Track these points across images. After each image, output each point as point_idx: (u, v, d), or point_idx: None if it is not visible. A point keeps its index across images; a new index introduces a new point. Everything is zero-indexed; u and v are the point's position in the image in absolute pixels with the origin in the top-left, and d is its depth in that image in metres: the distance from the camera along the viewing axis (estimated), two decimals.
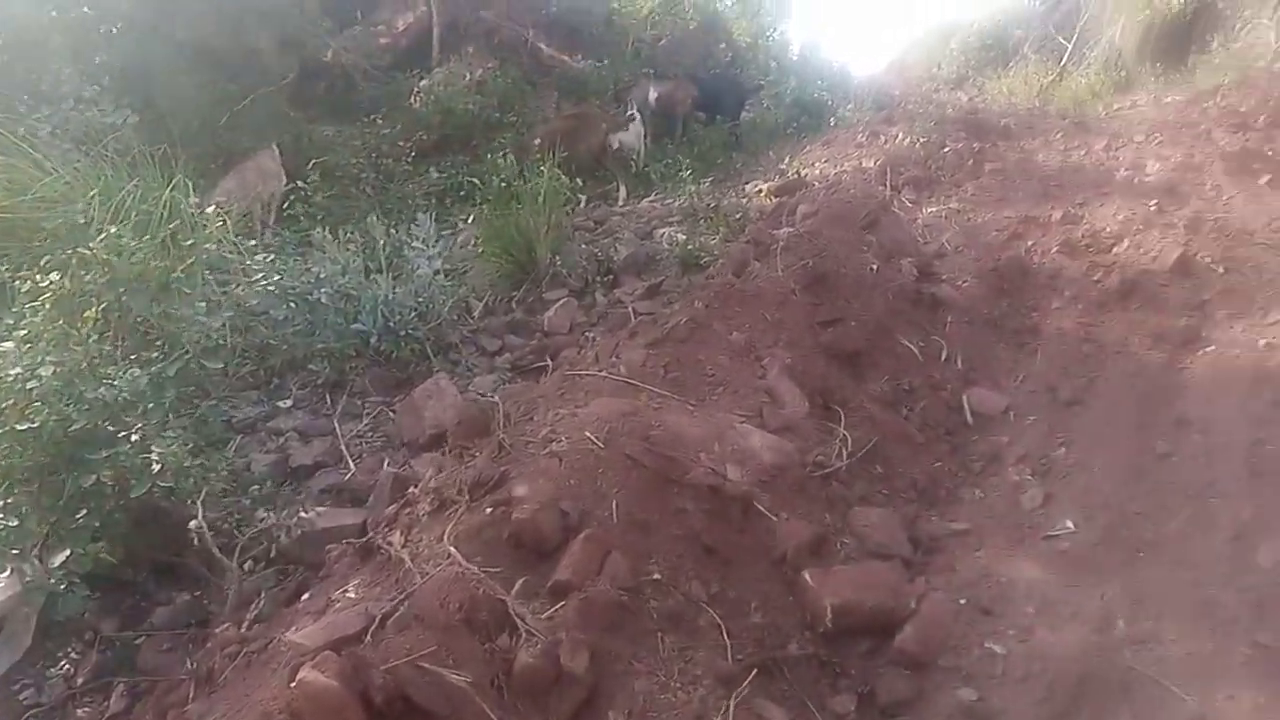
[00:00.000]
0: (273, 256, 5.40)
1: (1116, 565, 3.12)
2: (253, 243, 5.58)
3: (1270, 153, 7.53)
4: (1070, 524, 3.38)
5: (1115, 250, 5.54)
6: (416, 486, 3.37)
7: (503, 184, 6.71)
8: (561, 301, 6.05)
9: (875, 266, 4.96)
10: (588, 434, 3.11)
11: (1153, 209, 5.93)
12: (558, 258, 6.55)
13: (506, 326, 5.93)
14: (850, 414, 3.96)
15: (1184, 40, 13.94)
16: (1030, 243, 5.92)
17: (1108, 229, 5.82)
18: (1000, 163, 7.94)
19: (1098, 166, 7.71)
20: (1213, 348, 4.38)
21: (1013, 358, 4.70)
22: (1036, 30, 17.20)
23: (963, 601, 3.01)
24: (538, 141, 8.54)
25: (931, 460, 3.94)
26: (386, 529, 3.14)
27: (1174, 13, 13.97)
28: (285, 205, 7.58)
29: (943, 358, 4.55)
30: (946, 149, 8.36)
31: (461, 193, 8.73)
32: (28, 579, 3.11)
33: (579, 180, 7.86)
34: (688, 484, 3.07)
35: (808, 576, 2.93)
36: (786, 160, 9.36)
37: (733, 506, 3.09)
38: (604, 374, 3.87)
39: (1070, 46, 15.79)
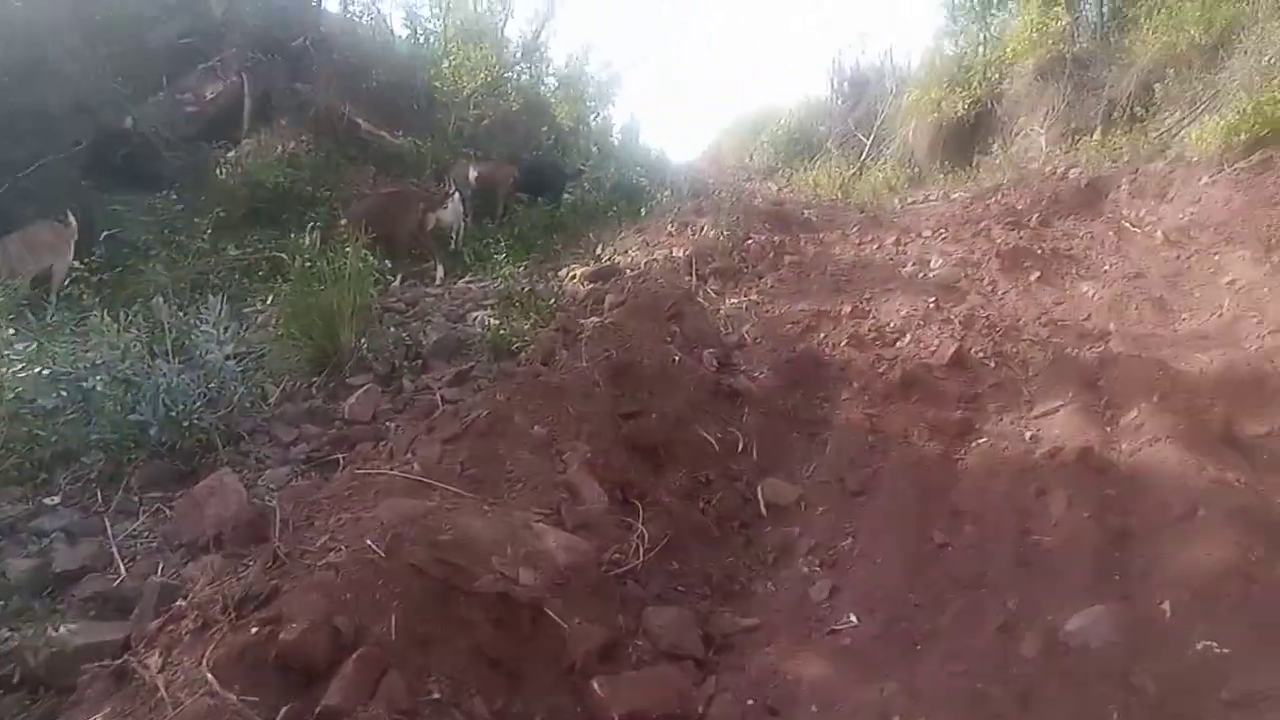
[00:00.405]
0: (37, 342, 4.99)
1: (895, 659, 3.23)
2: (11, 332, 5.12)
3: (1039, 250, 8.26)
4: (853, 618, 3.47)
5: (899, 344, 5.88)
6: (186, 598, 3.13)
7: (307, 263, 6.48)
8: (365, 388, 5.83)
9: (678, 358, 5.08)
10: (369, 542, 2.98)
11: (932, 305, 6.36)
12: (364, 341, 6.34)
13: (304, 415, 5.64)
14: (649, 508, 3.99)
15: (969, 142, 15.29)
16: (823, 335, 6.20)
17: (892, 324, 6.19)
18: (799, 255, 8.35)
19: (887, 261, 8.23)
20: (985, 439, 4.65)
21: (805, 448, 4.86)
22: (839, 127, 18.40)
23: (750, 702, 3.03)
24: (343, 222, 8.32)
25: (727, 553, 4.00)
26: (146, 649, 2.89)
27: (959, 117, 15.32)
28: (67, 282, 7.07)
29: (740, 449, 4.66)
30: (751, 241, 8.73)
31: (260, 272, 8.38)
32: None
33: (393, 259, 7.74)
34: (475, 592, 2.98)
35: (596, 686, 2.88)
36: (602, 246, 9.53)
37: (523, 614, 3.02)
38: (397, 472, 3.75)
39: (869, 143, 17.00)
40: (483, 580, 3.02)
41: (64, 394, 4.78)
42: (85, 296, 6.66)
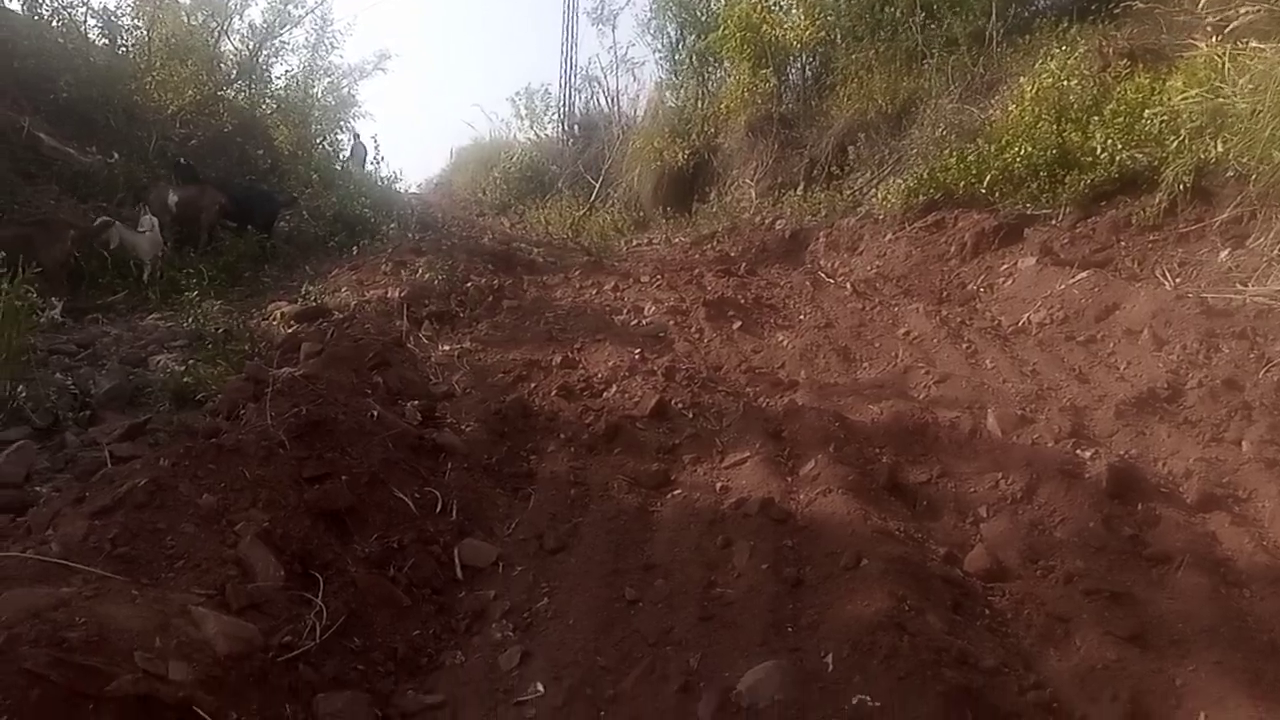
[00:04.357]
0: None
1: None
2: None
3: (743, 300, 8.75)
4: (540, 686, 3.40)
5: (605, 395, 5.96)
6: None
7: None
8: (18, 445, 5.14)
9: (376, 412, 4.84)
10: None
11: (638, 356, 6.53)
12: (21, 388, 5.63)
13: None
14: (332, 580, 3.73)
15: (688, 190, 16.12)
16: (534, 385, 6.19)
17: (600, 374, 6.28)
18: (519, 300, 8.33)
19: (604, 307, 8.39)
20: (679, 490, 4.77)
21: (508, 504, 4.77)
22: (569, 168, 18.77)
23: None
24: None
25: (416, 624, 3.82)
26: None
27: (679, 166, 16.11)
28: None
29: (438, 509, 4.49)
30: (470, 283, 8.61)
31: None
32: None
33: (54, 294, 6.96)
34: (111, 697, 2.64)
35: None
36: (310, 284, 9.06)
37: (169, 718, 2.71)
38: (29, 554, 3.29)
39: (598, 185, 17.46)
40: (120, 682, 2.68)
41: None
42: None
